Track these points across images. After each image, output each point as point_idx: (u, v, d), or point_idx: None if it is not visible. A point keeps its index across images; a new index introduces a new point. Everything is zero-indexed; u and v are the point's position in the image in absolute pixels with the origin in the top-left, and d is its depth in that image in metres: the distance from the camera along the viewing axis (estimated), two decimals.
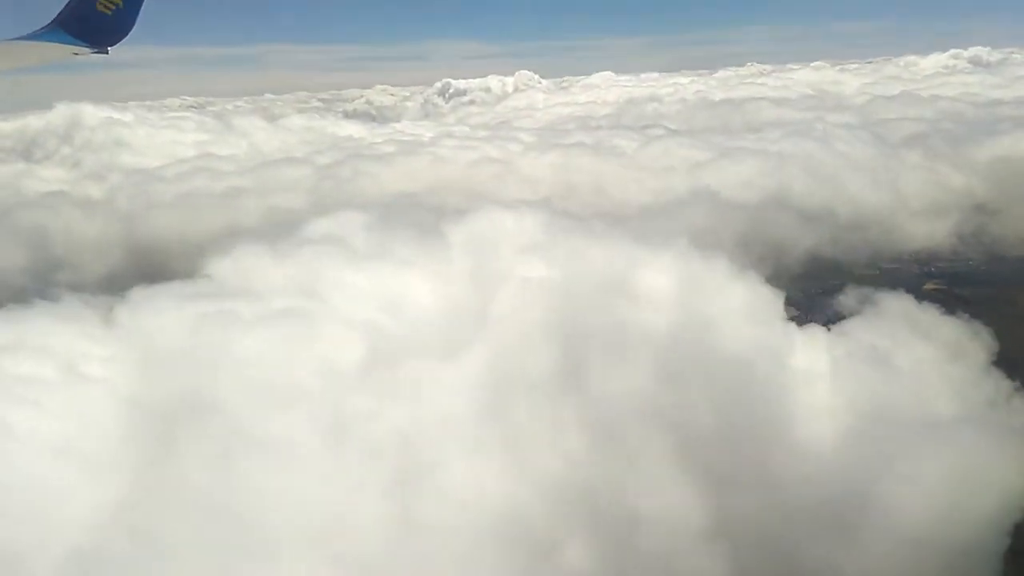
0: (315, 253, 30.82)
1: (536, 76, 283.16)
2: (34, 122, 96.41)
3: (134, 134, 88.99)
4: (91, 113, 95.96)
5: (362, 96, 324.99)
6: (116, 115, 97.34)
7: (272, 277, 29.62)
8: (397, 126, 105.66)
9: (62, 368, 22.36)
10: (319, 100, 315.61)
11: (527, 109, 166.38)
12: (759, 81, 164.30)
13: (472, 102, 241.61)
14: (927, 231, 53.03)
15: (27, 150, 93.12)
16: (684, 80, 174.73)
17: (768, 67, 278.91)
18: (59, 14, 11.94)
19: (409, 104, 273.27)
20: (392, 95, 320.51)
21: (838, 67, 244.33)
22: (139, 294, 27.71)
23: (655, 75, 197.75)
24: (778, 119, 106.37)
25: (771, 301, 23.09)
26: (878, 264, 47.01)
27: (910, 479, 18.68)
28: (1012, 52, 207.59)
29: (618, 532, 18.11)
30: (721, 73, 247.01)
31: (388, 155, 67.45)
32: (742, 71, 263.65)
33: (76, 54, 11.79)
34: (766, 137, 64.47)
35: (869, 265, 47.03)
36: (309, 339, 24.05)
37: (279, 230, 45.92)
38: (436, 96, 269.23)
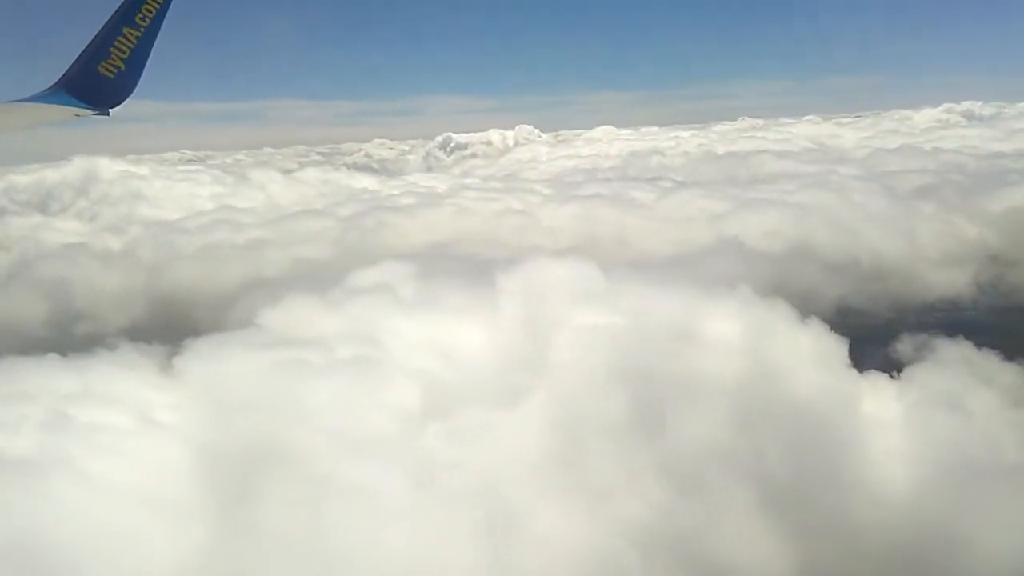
0: (368, 302, 31.22)
1: (536, 130, 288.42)
2: (50, 175, 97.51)
3: (151, 187, 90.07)
4: (107, 166, 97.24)
5: (360, 150, 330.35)
6: (132, 168, 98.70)
7: (325, 326, 30.00)
8: (409, 178, 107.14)
9: (134, 416, 22.50)
10: (318, 154, 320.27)
11: (531, 162, 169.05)
12: (758, 135, 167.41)
13: (474, 155, 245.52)
14: (946, 280, 53.77)
15: (43, 202, 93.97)
16: (685, 134, 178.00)
17: (761, 121, 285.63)
18: (62, 77, 12.20)
19: (411, 157, 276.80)
20: (391, 148, 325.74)
21: (832, 121, 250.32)
22: (198, 343, 28.01)
23: (655, 129, 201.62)
24: (782, 171, 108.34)
25: (834, 347, 23.49)
26: (903, 312, 47.61)
27: (990, 526, 18.79)
28: (1003, 107, 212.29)
29: None
30: (719, 127, 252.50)
31: (408, 207, 68.44)
32: (737, 125, 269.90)
33: (77, 115, 12.09)
34: (782, 189, 65.74)
35: (894, 312, 47.59)
36: (376, 386, 24.28)
37: (316, 280, 46.53)
38: (437, 150, 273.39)
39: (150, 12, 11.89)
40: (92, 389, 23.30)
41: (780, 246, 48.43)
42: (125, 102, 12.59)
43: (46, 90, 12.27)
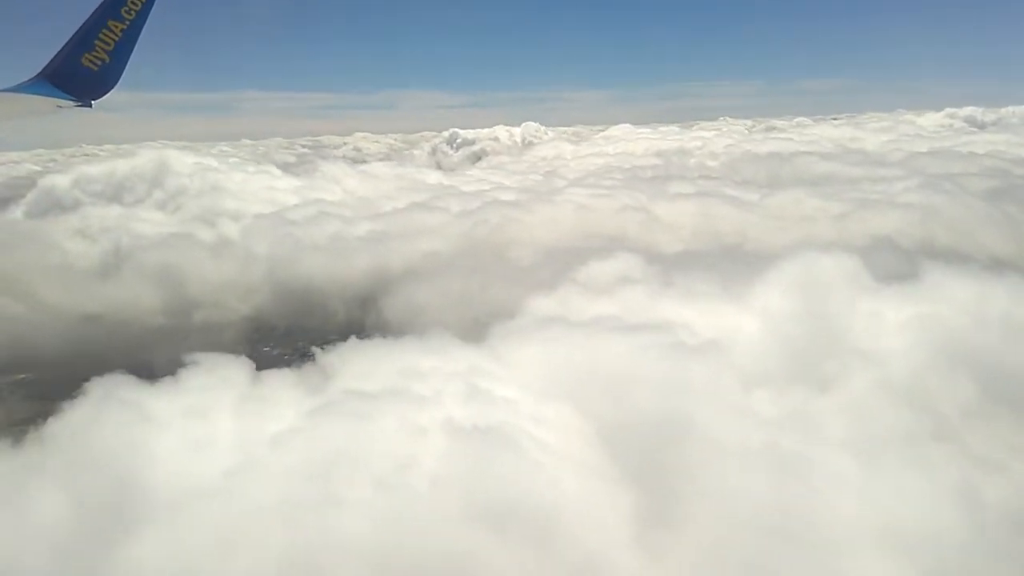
0: (632, 291, 33.14)
1: (543, 127, 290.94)
2: (121, 165, 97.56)
3: (230, 179, 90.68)
4: (177, 158, 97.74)
5: (344, 143, 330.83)
6: (204, 160, 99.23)
7: (601, 313, 31.85)
8: (471, 174, 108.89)
9: (522, 391, 24.31)
10: (302, 146, 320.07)
11: (557, 159, 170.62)
12: (782, 136, 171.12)
13: (484, 151, 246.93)
14: None
15: (116, 193, 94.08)
16: (707, 134, 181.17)
17: (749, 122, 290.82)
18: (45, 68, 12.35)
19: (416, 152, 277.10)
20: (376, 142, 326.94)
21: (822, 122, 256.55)
22: (510, 326, 29.85)
23: (675, 128, 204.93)
24: (832, 173, 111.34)
25: None
26: None
27: None
28: (1008, 110, 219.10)
29: None
30: (727, 126, 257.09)
31: (519, 202, 70.12)
32: (721, 124, 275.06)
33: (60, 106, 12.12)
34: (888, 190, 68.42)
35: None
36: (711, 366, 26.24)
37: (518, 271, 48.28)
38: (444, 145, 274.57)
39: (135, 5, 12.04)
40: (480, 367, 25.07)
41: (916, 245, 50.90)
42: (108, 94, 12.75)
43: (28, 81, 12.35)
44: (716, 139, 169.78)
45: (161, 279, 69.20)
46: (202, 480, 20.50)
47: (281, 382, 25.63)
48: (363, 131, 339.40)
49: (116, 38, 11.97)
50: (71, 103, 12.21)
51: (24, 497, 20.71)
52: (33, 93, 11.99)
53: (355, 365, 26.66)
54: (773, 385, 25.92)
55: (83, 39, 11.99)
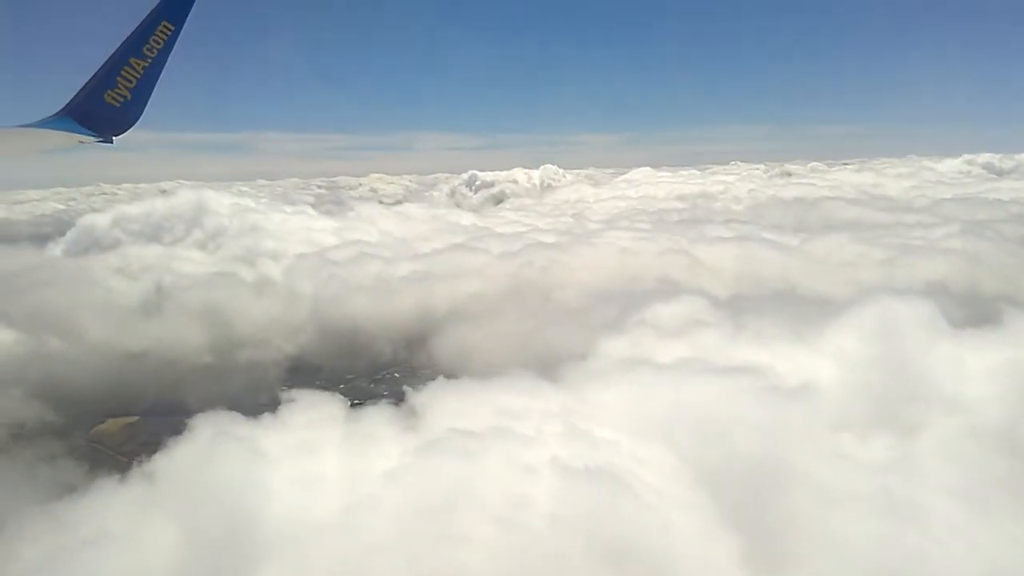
0: (704, 334, 33.52)
1: (561, 170, 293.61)
2: (159, 206, 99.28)
3: (269, 220, 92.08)
4: (215, 198, 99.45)
5: (360, 183, 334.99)
6: (241, 201, 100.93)
7: (673, 354, 32.18)
8: (503, 215, 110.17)
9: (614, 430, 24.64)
10: (318, 186, 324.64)
11: (581, 202, 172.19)
12: (804, 180, 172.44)
13: (503, 193, 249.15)
14: None
15: (155, 233, 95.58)
16: (729, 178, 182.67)
17: (762, 166, 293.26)
18: (68, 104, 12.52)
19: (435, 194, 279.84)
20: (391, 183, 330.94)
21: (842, 166, 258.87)
22: (584, 367, 30.24)
23: (695, 172, 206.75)
24: (859, 219, 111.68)
25: None
26: None
27: None
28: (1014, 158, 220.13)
29: None
30: (743, 170, 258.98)
31: (559, 244, 71.00)
32: (735, 169, 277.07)
33: (81, 142, 12.30)
34: (927, 236, 68.94)
35: None
36: (802, 408, 26.49)
37: (567, 312, 48.78)
38: (464, 187, 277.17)
39: (158, 43, 12.18)
40: (572, 407, 25.45)
41: (977, 291, 50.98)
42: (129, 131, 12.82)
43: (51, 116, 12.56)
44: (738, 183, 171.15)
45: (205, 317, 69.90)
46: (319, 516, 20.85)
47: (378, 419, 26.07)
48: (378, 172, 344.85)
49: (138, 76, 12.23)
50: (93, 139, 12.47)
51: (141, 532, 21.09)
52: (56, 129, 12.26)
53: (446, 404, 27.11)
54: (862, 429, 26.10)
55: (105, 77, 12.25)
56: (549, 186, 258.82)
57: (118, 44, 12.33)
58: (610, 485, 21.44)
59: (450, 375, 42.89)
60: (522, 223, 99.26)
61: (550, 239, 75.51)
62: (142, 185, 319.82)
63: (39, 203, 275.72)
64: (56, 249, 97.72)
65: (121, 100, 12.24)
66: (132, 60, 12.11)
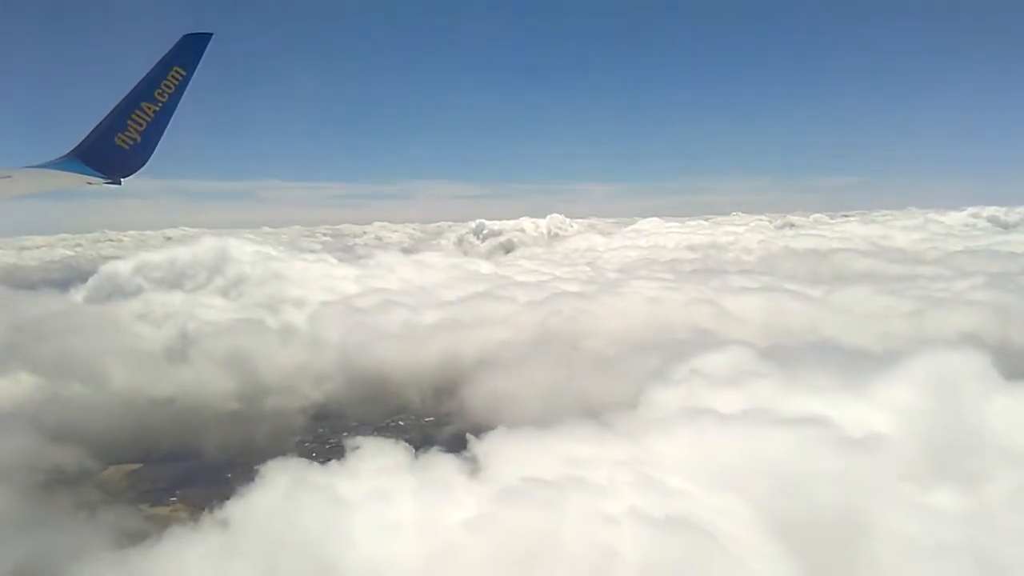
0: (767, 384, 33.53)
1: (568, 219, 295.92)
2: (182, 253, 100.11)
3: (290, 267, 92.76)
4: (237, 246, 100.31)
5: (365, 232, 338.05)
6: (263, 249, 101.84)
7: (729, 404, 32.22)
8: (520, 264, 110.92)
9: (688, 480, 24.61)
10: (324, 234, 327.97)
11: (591, 251, 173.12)
12: (812, 232, 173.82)
13: (511, 242, 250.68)
14: None
15: (177, 280, 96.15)
16: (738, 228, 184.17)
17: (765, 216, 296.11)
18: (78, 146, 12.69)
19: (442, 242, 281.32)
20: (395, 231, 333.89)
21: (842, 218, 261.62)
22: (633, 415, 30.27)
23: (704, 223, 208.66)
24: (871, 271, 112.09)
25: None
26: None
27: None
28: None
29: None
30: (749, 220, 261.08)
31: (585, 293, 71.35)
32: (737, 219, 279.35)
33: (90, 183, 12.44)
34: (950, 288, 69.38)
35: None
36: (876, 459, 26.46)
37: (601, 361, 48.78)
38: (471, 235, 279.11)
39: (169, 88, 12.39)
40: (640, 457, 25.44)
41: (1004, 344, 51.14)
42: (136, 173, 13.01)
43: (61, 157, 12.76)
44: (747, 234, 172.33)
45: (231, 364, 69.89)
46: (402, 564, 20.75)
47: (445, 467, 26.05)
48: (381, 220, 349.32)
49: (148, 119, 12.43)
50: (101, 180, 12.61)
51: None
52: (65, 170, 12.41)
53: (510, 452, 27.11)
54: (928, 481, 26.05)
55: (116, 120, 12.45)
56: (556, 235, 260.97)
57: (128, 90, 12.60)
58: (692, 536, 21.37)
59: (488, 423, 42.87)
60: (540, 272, 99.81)
61: (572, 287, 75.91)
62: (147, 232, 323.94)
63: (47, 249, 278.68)
64: (78, 295, 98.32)
65: (131, 143, 12.51)
66: (143, 104, 12.35)
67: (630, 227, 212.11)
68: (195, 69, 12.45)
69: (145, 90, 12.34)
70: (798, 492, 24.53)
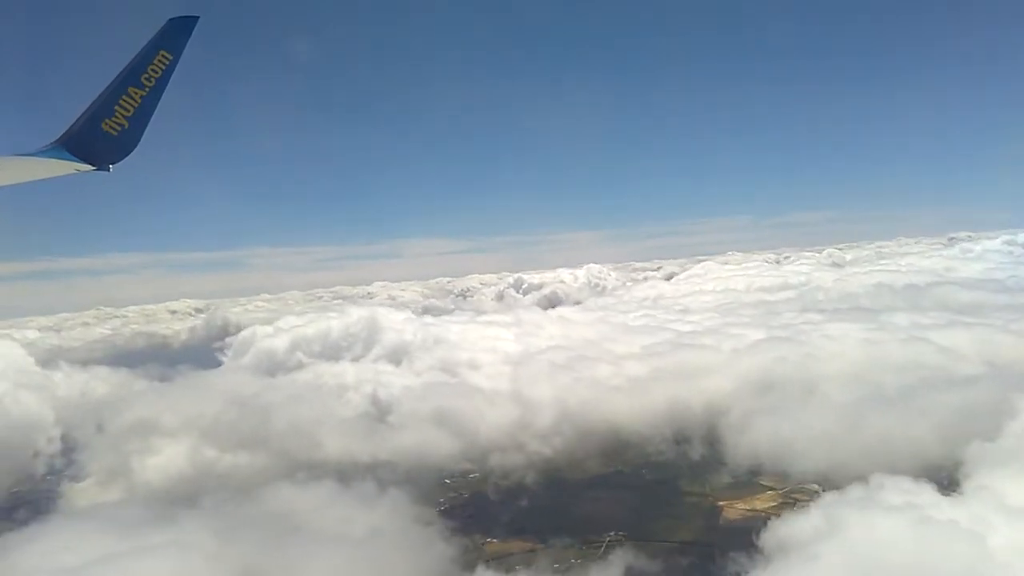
0: None
1: (605, 268, 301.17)
2: (335, 326, 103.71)
3: (449, 331, 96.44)
4: (386, 315, 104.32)
5: (369, 292, 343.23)
6: (410, 316, 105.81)
7: None
8: (633, 315, 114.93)
9: None
10: (334, 298, 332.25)
11: (662, 298, 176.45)
12: (879, 266, 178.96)
13: (555, 294, 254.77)
14: None
15: (334, 352, 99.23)
16: (804, 268, 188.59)
17: (770, 255, 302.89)
18: (64, 133, 12.53)
19: (480, 298, 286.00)
20: (403, 290, 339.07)
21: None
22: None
23: (763, 264, 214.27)
24: (981, 302, 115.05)
25: None
26: None
27: None
28: None
29: None
30: (746, 260, 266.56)
31: (790, 337, 75.15)
32: (732, 259, 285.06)
33: (77, 170, 12.29)
34: None
35: None
36: None
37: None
38: (512, 290, 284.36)
39: (156, 73, 12.25)
40: None
41: None
42: (125, 159, 12.74)
43: (47, 145, 12.58)
44: (815, 272, 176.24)
45: (443, 426, 72.61)
46: None
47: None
48: (380, 280, 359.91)
49: (136, 104, 12.23)
50: (89, 168, 12.47)
51: None
52: (52, 157, 12.30)
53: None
54: None
55: (103, 106, 12.32)
56: (596, 285, 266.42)
57: (113, 76, 12.54)
58: None
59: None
60: (656, 317, 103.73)
61: (758, 334, 79.81)
62: (149, 307, 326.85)
63: (84, 329, 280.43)
64: (233, 370, 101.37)
65: (119, 129, 12.33)
66: (130, 89, 12.24)
67: (686, 273, 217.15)
68: (182, 53, 12.40)
69: (132, 75, 12.24)
70: None
